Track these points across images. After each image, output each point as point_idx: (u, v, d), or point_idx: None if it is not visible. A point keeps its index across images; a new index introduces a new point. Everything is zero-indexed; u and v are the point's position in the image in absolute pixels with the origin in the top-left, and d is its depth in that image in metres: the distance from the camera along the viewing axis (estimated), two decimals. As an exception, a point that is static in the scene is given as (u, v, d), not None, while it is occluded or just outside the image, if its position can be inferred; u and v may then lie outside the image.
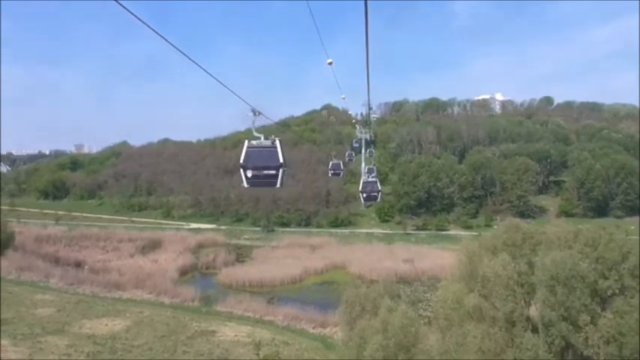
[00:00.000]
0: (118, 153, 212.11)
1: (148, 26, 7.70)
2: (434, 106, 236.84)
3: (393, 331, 32.86)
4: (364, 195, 33.74)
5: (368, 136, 63.39)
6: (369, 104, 50.22)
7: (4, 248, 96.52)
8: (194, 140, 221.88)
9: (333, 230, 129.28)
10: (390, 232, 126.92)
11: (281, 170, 12.95)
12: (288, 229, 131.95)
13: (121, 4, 6.78)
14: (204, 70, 9.75)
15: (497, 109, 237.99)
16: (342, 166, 46.64)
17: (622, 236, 32.73)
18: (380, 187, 33.54)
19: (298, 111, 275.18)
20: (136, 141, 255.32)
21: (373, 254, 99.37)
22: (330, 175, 47.57)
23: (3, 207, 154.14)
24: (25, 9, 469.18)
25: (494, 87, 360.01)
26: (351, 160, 59.58)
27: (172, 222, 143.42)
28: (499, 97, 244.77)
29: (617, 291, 30.23)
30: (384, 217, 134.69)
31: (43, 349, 54.32)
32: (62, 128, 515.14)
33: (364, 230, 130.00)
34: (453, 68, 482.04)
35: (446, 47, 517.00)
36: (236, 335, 59.32)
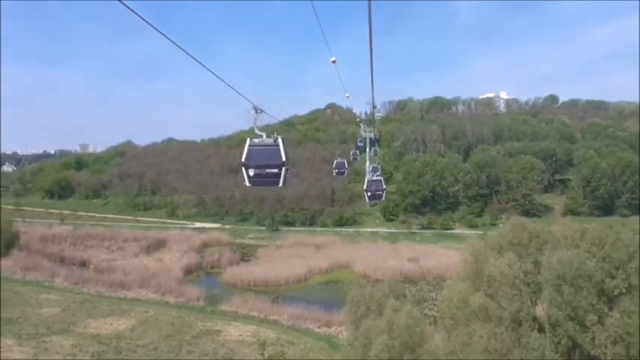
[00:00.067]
0: (122, 152, 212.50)
1: (152, 26, 7.65)
2: (438, 104, 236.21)
3: (398, 331, 32.69)
4: (369, 194, 33.67)
5: (372, 135, 63.35)
6: (373, 103, 49.92)
7: (9, 248, 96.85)
8: (198, 140, 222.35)
9: (338, 229, 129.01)
10: (395, 231, 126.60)
11: (283, 169, 12.73)
12: (292, 229, 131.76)
13: (124, 4, 6.80)
14: (207, 69, 9.64)
15: (502, 107, 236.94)
16: (346, 165, 46.37)
17: (629, 235, 32.34)
18: (384, 186, 33.44)
19: (302, 110, 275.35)
20: (141, 140, 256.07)
21: (378, 253, 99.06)
22: (334, 174, 47.28)
23: (9, 207, 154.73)
24: (26, 9, 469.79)
25: (499, 86, 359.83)
26: (355, 159, 59.28)
27: (177, 221, 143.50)
28: (504, 95, 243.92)
29: (624, 290, 29.99)
30: (389, 216, 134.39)
31: (48, 349, 54.37)
32: (66, 128, 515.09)
33: (369, 229, 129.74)
34: (456, 67, 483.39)
35: (449, 46, 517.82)
36: (241, 335, 59.23)
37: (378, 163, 46.79)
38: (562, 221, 50.57)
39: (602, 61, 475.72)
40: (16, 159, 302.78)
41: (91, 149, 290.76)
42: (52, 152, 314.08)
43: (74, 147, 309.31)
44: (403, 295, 55.93)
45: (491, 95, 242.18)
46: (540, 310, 33.68)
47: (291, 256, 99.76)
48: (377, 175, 35.00)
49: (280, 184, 12.96)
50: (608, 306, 30.45)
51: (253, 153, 12.81)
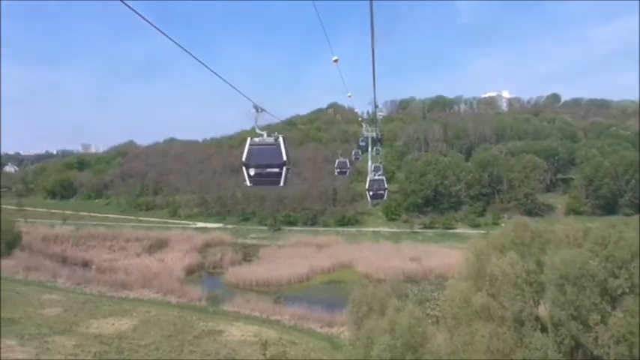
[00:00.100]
0: (124, 152, 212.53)
1: (154, 26, 7.58)
2: (440, 103, 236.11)
3: (400, 331, 32.61)
4: (371, 193, 33.51)
5: (374, 134, 63.29)
6: (375, 102, 49.79)
7: (11, 248, 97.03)
8: (200, 139, 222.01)
9: (340, 229, 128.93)
10: (397, 230, 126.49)
11: (284, 168, 12.59)
12: (294, 228, 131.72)
13: (126, 4, 6.74)
14: (209, 68, 9.57)
15: (504, 106, 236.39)
16: (348, 165, 46.28)
17: (632, 234, 32.20)
18: (386, 185, 33.29)
19: (304, 110, 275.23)
20: (142, 140, 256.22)
21: (380, 253, 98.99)
22: (336, 173, 47.18)
23: (11, 207, 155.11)
24: (26, 9, 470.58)
25: (501, 85, 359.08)
26: (357, 158, 59.17)
27: (179, 221, 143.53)
28: (506, 94, 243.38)
29: (627, 290, 29.81)
30: (391, 216, 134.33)
31: (50, 349, 54.38)
32: (68, 128, 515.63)
33: (371, 229, 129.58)
34: (458, 66, 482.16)
35: (451, 46, 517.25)
36: (243, 335, 59.19)
37: (380, 163, 46.53)
38: (564, 220, 50.56)
39: (605, 60, 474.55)
40: (18, 159, 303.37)
41: (93, 149, 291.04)
42: (55, 152, 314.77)
43: (76, 147, 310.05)
44: (405, 295, 55.69)
45: (493, 94, 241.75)
46: (543, 310, 33.60)
47: (293, 256, 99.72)
48: (379, 175, 34.84)
49: (281, 184, 12.83)
50: (611, 305, 30.29)
51: (254, 152, 12.69)
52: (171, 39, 7.98)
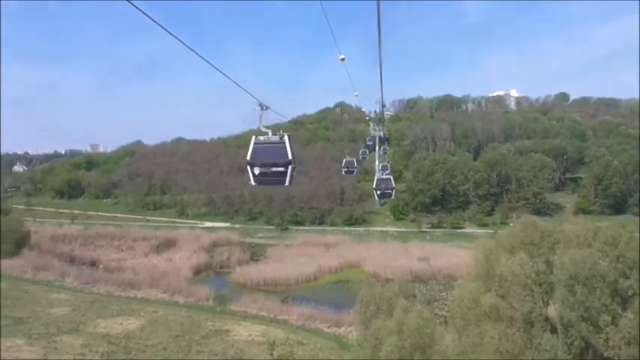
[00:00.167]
0: (132, 152, 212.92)
1: (161, 26, 7.55)
2: (448, 102, 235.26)
3: (408, 331, 32.43)
4: (378, 192, 33.48)
5: (382, 134, 63.17)
6: (382, 101, 49.67)
7: (20, 247, 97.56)
8: (207, 139, 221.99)
9: (348, 228, 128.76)
10: (405, 230, 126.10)
11: (290, 167, 12.41)
12: (302, 228, 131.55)
13: (132, 4, 6.73)
14: (215, 67, 9.51)
15: (512, 105, 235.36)
16: (355, 164, 46.23)
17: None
18: (394, 185, 33.23)
19: (311, 109, 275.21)
20: (150, 140, 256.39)
21: (388, 252, 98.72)
22: (343, 172, 47.13)
23: (20, 206, 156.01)
24: (31, 9, 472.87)
25: (509, 83, 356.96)
26: (364, 157, 59.10)
27: (186, 221, 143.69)
28: (514, 93, 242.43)
29: (638, 290, 29.61)
30: (399, 215, 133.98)
31: (58, 349, 54.54)
32: (76, 128, 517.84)
33: (379, 228, 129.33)
34: (466, 65, 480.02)
35: (458, 45, 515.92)
36: (250, 335, 59.13)
37: (388, 162, 46.48)
38: (574, 220, 50.32)
39: (613, 59, 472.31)
40: (27, 159, 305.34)
41: (101, 149, 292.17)
42: (63, 152, 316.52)
43: (84, 147, 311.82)
44: (413, 295, 55.50)
45: (501, 93, 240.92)
46: (552, 311, 33.30)
47: (301, 255, 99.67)
48: (386, 174, 34.76)
49: (286, 183, 12.66)
50: (622, 306, 30.02)
51: (259, 151, 12.53)
52: (177, 38, 7.96)
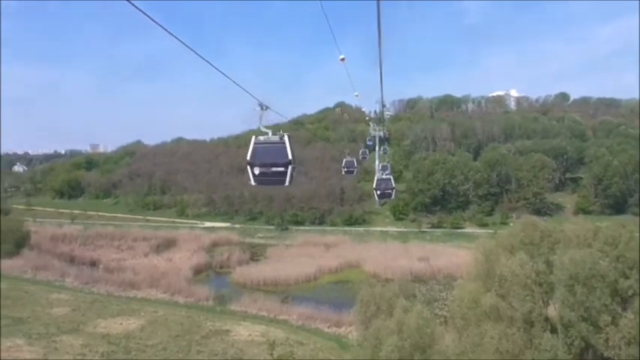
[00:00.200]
0: (132, 152, 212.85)
1: (161, 26, 7.53)
2: (448, 102, 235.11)
3: (408, 332, 32.43)
4: (378, 192, 33.52)
5: (382, 134, 63.19)
6: (382, 101, 49.70)
7: (20, 247, 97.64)
8: (207, 139, 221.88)
9: (348, 228, 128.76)
10: (405, 230, 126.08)
11: (290, 167, 12.40)
12: (302, 228, 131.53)
13: (133, 4, 6.74)
14: (214, 67, 9.48)
15: (512, 105, 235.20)
16: (355, 164, 46.27)
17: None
18: (394, 185, 33.26)
19: (311, 109, 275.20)
20: (150, 140, 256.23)
21: (388, 253, 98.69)
22: (343, 172, 47.17)
23: (20, 206, 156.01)
24: (36, 10, 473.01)
25: (509, 83, 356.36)
26: (364, 157, 59.15)
27: (186, 221, 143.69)
28: (514, 93, 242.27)
29: (638, 290, 29.60)
30: (399, 215, 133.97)
31: (58, 349, 54.56)
32: (76, 128, 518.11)
33: (379, 228, 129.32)
34: (466, 65, 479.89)
35: (458, 45, 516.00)
36: (250, 335, 59.14)
37: (388, 162, 46.52)
38: (574, 220, 50.34)
39: (613, 59, 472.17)
40: (27, 159, 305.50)
41: (101, 149, 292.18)
42: (63, 152, 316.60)
43: (84, 147, 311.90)
44: (413, 295, 55.49)
45: (501, 93, 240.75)
46: (553, 311, 33.30)
47: (301, 255, 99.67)
48: (386, 174, 34.79)
49: (286, 183, 12.65)
50: (622, 306, 30.02)
51: (259, 151, 12.52)
52: (178, 39, 7.98)
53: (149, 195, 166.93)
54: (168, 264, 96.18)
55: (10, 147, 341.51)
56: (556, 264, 31.91)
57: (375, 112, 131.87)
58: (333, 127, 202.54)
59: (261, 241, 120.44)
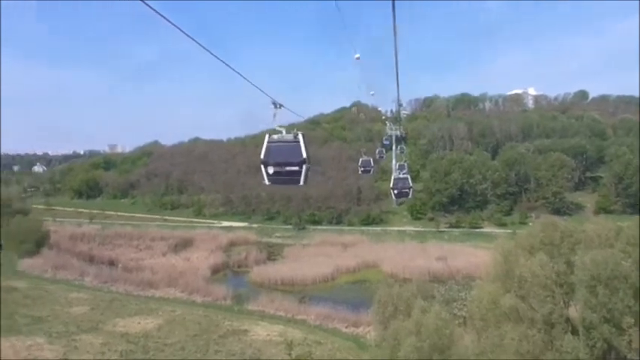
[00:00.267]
0: (149, 152, 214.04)
1: (178, 27, 7.51)
2: (465, 101, 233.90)
3: (427, 332, 32.20)
4: (395, 191, 33.32)
5: (398, 133, 62.87)
6: (398, 101, 49.60)
7: (39, 247, 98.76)
8: (224, 139, 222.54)
9: (365, 228, 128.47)
10: (423, 229, 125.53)
11: (304, 166, 12.22)
12: (319, 227, 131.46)
13: (147, 4, 6.72)
14: (230, 67, 9.47)
15: (530, 104, 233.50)
16: (372, 163, 46.18)
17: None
18: (411, 184, 33.07)
19: (328, 108, 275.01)
20: (167, 140, 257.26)
21: (405, 252, 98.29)
22: (360, 172, 47.14)
23: (39, 206, 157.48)
24: (42, 9, 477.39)
25: (527, 82, 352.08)
26: (381, 157, 59.04)
27: (204, 220, 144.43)
28: (532, 91, 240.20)
29: (662, 292, 29.13)
30: (416, 215, 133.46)
31: (78, 348, 55.02)
32: (93, 129, 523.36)
33: (396, 228, 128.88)
34: (483, 64, 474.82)
35: (474, 43, 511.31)
36: (268, 334, 59.17)
37: (405, 161, 46.19)
38: (594, 220, 49.56)
39: (632, 56, 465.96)
40: (46, 159, 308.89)
41: (119, 149, 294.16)
42: (82, 153, 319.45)
43: (103, 147, 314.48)
44: (432, 295, 55.13)
45: (519, 91, 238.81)
46: (574, 312, 32.86)
47: (318, 255, 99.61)
48: (403, 173, 34.56)
49: (301, 183, 12.49)
50: (646, 308, 29.54)
51: (272, 150, 12.37)
52: (193, 39, 7.98)
53: (166, 195, 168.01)
54: (186, 263, 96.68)
55: (30, 147, 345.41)
56: (577, 264, 31.42)
57: (392, 111, 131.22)
58: (350, 127, 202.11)
59: (279, 241, 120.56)
